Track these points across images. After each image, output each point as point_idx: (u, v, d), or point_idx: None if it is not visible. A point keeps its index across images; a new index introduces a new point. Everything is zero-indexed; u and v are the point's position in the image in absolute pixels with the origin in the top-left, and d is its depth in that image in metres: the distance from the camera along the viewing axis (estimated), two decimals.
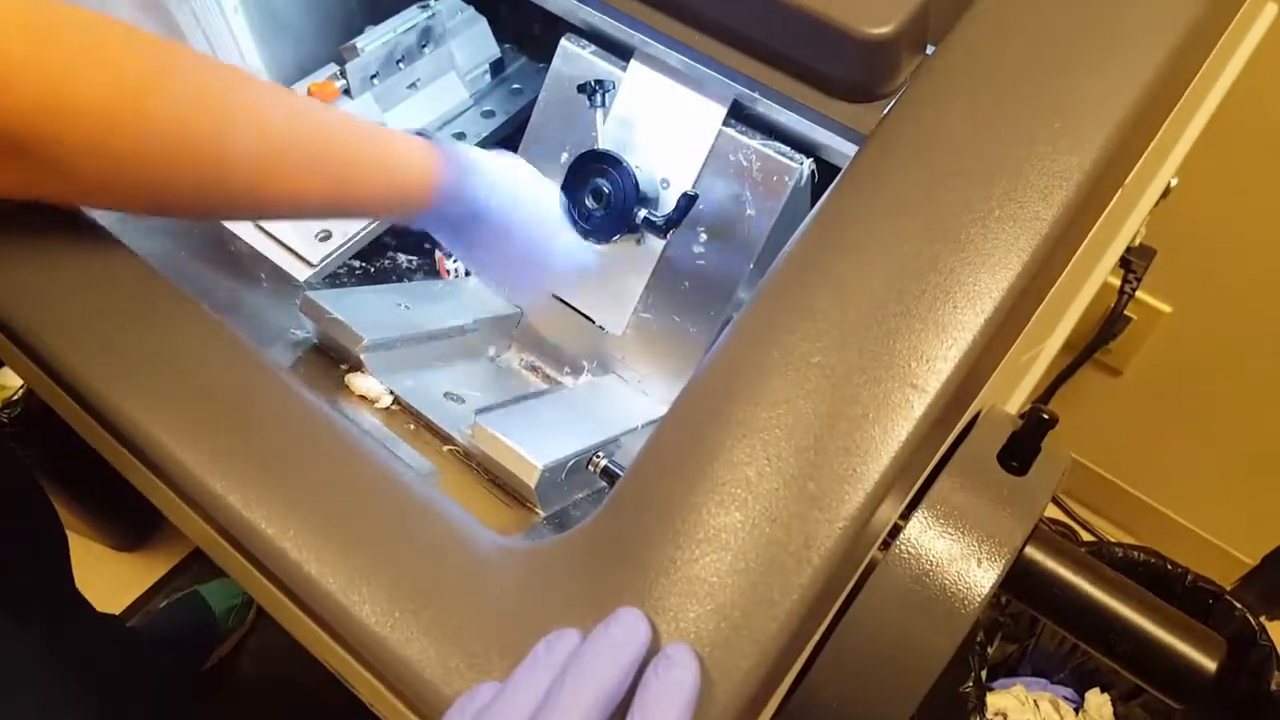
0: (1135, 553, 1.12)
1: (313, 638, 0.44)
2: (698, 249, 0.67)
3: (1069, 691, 1.23)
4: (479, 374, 0.71)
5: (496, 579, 0.40)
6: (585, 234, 0.67)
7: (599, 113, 0.67)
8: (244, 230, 0.69)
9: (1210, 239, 1.14)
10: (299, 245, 0.69)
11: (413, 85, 0.76)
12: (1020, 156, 0.43)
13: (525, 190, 0.66)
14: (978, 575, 0.39)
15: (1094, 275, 0.57)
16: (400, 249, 0.79)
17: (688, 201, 0.65)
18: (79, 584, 0.97)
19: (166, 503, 0.48)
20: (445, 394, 0.66)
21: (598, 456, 0.60)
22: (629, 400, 0.70)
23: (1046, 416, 0.44)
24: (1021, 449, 0.44)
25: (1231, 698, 1.01)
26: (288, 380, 0.46)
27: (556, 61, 0.70)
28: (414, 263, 0.79)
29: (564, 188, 0.67)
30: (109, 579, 1.41)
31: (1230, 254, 1.14)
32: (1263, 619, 1.04)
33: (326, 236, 0.69)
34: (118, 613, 1.39)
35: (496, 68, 0.82)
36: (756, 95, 0.59)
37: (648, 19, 0.56)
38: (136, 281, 0.48)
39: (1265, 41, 0.62)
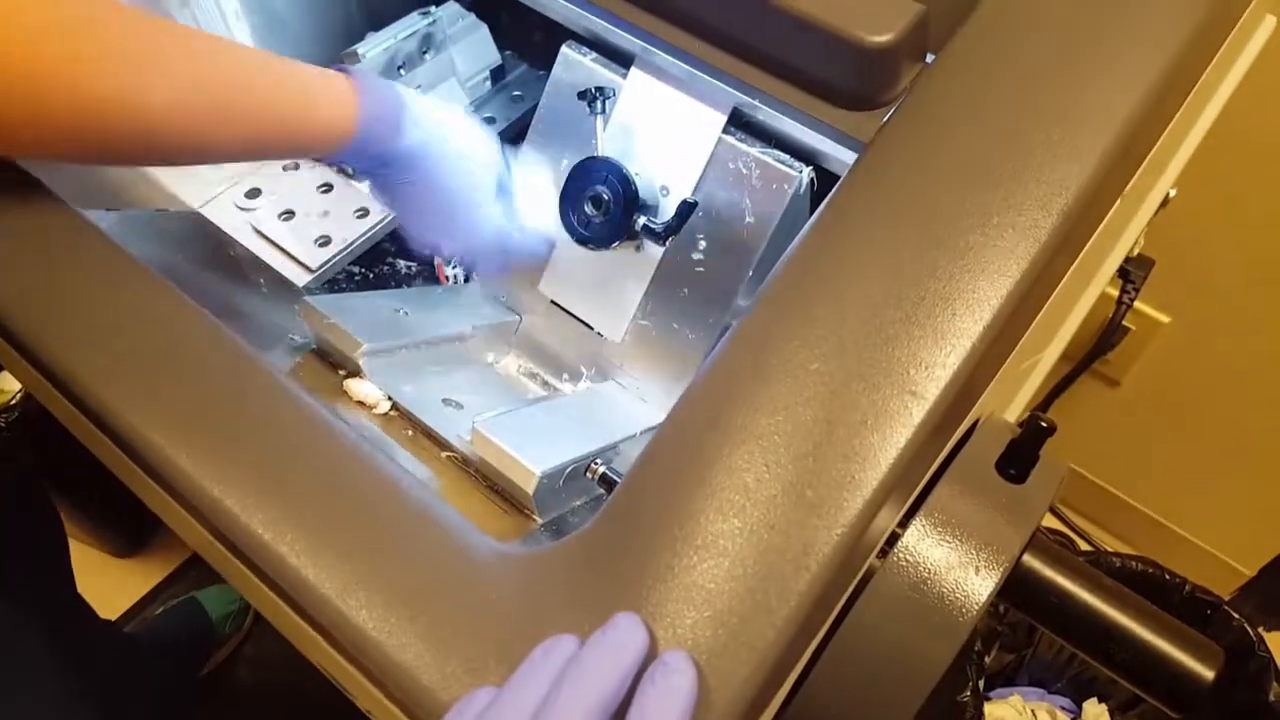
0: (1133, 562, 1.12)
1: (310, 643, 0.44)
2: (697, 256, 0.67)
3: (1066, 701, 1.23)
4: (477, 380, 0.71)
5: (494, 585, 0.40)
6: (584, 240, 0.67)
7: (599, 120, 0.67)
8: (243, 235, 0.69)
9: (1209, 249, 1.14)
10: (298, 250, 0.69)
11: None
12: (1019, 165, 0.43)
13: (455, 142, 0.62)
14: (975, 583, 0.39)
15: (1092, 285, 0.57)
16: (400, 254, 0.79)
17: (687, 209, 0.65)
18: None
19: (164, 508, 0.48)
20: (444, 400, 0.66)
21: (596, 463, 0.60)
22: (627, 407, 0.70)
23: (1045, 425, 0.44)
24: (1020, 457, 0.44)
25: (1229, 708, 1.01)
26: (286, 385, 0.46)
27: (557, 68, 0.70)
28: (413, 268, 0.79)
29: (563, 195, 0.67)
30: (106, 585, 1.41)
31: (1229, 265, 1.14)
32: (1261, 629, 1.04)
33: (326, 242, 0.70)
34: (115, 618, 1.39)
35: (497, 74, 0.82)
36: (756, 103, 0.59)
37: (648, 26, 0.56)
38: (136, 286, 0.48)
39: (1265, 52, 0.62)
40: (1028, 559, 0.44)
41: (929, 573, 0.40)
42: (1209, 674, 0.42)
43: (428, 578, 0.40)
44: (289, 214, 0.70)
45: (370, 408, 0.63)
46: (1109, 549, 1.26)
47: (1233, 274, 1.15)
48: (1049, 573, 0.44)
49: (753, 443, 0.40)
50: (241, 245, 0.69)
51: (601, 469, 0.59)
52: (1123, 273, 1.02)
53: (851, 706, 0.40)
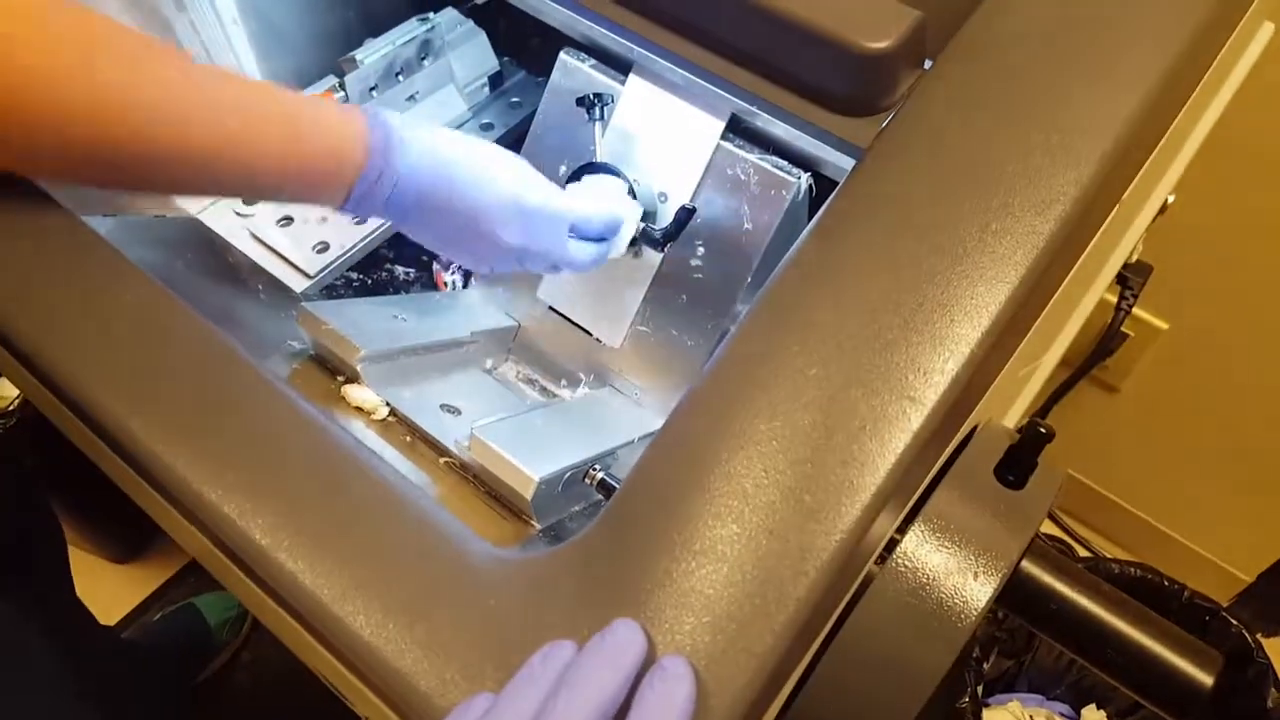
0: (1131, 569, 1.12)
1: (307, 650, 0.44)
2: (695, 262, 0.67)
3: (1065, 708, 1.23)
4: (476, 386, 0.71)
5: (492, 591, 0.40)
6: None
7: (597, 126, 0.67)
8: (242, 241, 0.69)
9: (1208, 256, 1.14)
10: (296, 257, 0.69)
11: (411, 98, 0.76)
12: (1017, 170, 0.43)
13: (462, 173, 0.57)
14: (974, 589, 0.39)
15: (1091, 291, 0.57)
16: (398, 261, 0.79)
17: (686, 215, 0.65)
18: None
19: (161, 514, 0.48)
20: (442, 406, 0.66)
21: (594, 469, 0.60)
22: (626, 413, 0.70)
23: (1043, 430, 0.44)
24: (1018, 463, 0.44)
25: (1228, 714, 1.01)
26: (284, 391, 0.46)
27: (556, 75, 0.70)
28: (411, 274, 0.79)
29: None
30: (104, 591, 1.40)
31: (1227, 271, 1.14)
32: (1259, 636, 1.04)
33: (324, 248, 0.69)
34: (113, 624, 1.38)
35: (495, 81, 0.82)
36: (755, 109, 0.59)
37: (647, 33, 0.56)
38: (134, 292, 0.48)
39: (1263, 58, 0.62)
40: (1026, 565, 0.44)
41: (927, 578, 0.40)
42: (1208, 680, 0.42)
43: (425, 583, 0.40)
44: (287, 220, 0.70)
45: (368, 413, 0.63)
46: (1107, 555, 1.25)
47: (1231, 280, 1.15)
48: (1047, 579, 0.44)
49: (751, 448, 0.40)
50: (240, 251, 0.69)
51: (600, 475, 0.59)
52: (1121, 279, 1.01)
53: (850, 712, 0.40)
